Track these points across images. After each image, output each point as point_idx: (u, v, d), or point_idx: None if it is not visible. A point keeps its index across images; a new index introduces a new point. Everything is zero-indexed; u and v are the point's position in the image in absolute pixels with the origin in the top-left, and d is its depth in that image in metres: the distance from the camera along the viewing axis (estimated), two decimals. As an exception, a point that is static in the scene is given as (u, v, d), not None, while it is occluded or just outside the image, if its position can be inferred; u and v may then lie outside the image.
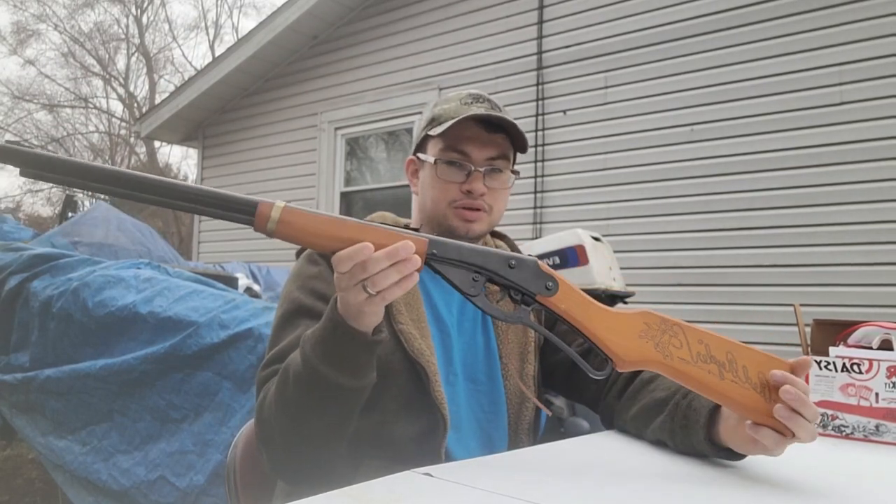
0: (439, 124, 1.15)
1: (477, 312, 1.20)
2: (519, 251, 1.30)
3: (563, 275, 0.90)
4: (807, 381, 0.89)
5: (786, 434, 0.84)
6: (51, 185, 18.92)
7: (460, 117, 1.11)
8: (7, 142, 0.78)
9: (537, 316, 1.20)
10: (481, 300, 0.87)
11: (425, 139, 1.20)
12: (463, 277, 0.86)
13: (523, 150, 1.20)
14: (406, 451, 1.03)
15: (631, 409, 1.09)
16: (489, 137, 1.15)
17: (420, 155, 1.20)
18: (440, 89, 5.28)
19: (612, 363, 0.87)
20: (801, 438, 0.84)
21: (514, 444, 1.16)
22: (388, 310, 1.09)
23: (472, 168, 1.14)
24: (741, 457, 0.92)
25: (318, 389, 0.89)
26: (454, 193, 1.15)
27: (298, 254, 1.19)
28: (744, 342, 0.89)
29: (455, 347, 1.15)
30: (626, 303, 3.04)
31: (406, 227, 0.86)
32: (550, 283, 0.87)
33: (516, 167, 1.21)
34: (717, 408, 0.93)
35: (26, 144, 0.78)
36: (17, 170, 0.78)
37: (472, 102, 1.17)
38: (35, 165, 0.76)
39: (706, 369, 0.86)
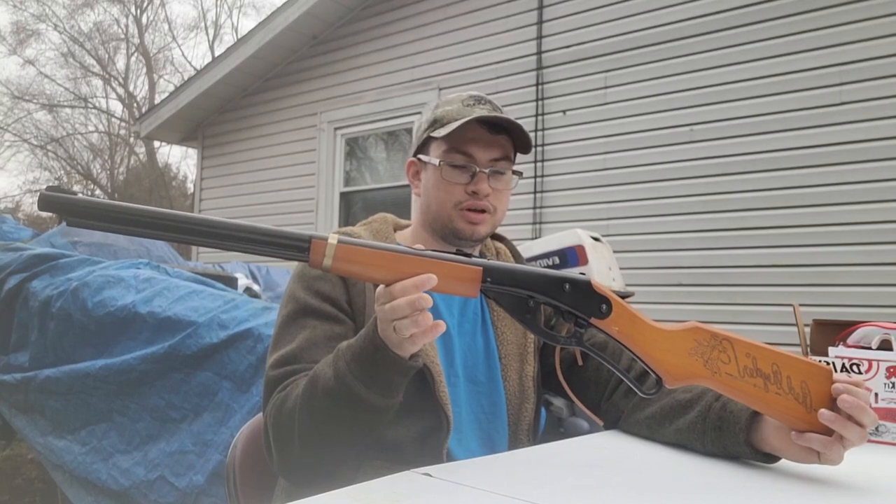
0: (442, 126, 1.15)
1: (477, 313, 1.20)
2: (518, 253, 1.30)
3: (610, 292, 0.90)
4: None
5: (832, 436, 0.85)
6: (50, 184, 18.94)
7: (467, 119, 1.11)
8: (48, 188, 0.73)
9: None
10: (534, 324, 0.87)
11: (427, 141, 1.19)
12: (517, 302, 0.87)
13: (526, 150, 1.21)
14: (408, 452, 1.03)
15: (646, 409, 1.09)
16: (492, 139, 1.16)
17: (422, 157, 1.20)
18: (440, 89, 5.28)
19: (662, 381, 0.88)
20: (851, 441, 0.84)
21: (514, 444, 1.16)
22: None
23: (477, 169, 1.14)
24: (775, 460, 0.93)
25: (349, 405, 0.91)
26: (459, 195, 1.15)
27: None
28: None
29: (456, 348, 1.16)
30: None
31: (461, 251, 0.87)
32: (605, 306, 0.87)
33: (518, 167, 1.22)
34: (756, 412, 0.94)
35: (69, 192, 0.74)
36: (64, 220, 0.74)
37: (473, 104, 1.17)
38: (79, 214, 0.73)
39: (752, 383, 0.87)
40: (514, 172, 1.20)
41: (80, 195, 0.74)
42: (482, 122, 1.14)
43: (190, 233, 0.76)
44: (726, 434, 0.96)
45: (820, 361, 1.20)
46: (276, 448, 0.99)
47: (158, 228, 0.75)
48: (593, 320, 0.87)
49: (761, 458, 0.94)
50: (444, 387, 1.07)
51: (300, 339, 1.04)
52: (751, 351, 0.88)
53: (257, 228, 0.79)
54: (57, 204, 0.72)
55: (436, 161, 1.16)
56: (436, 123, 1.17)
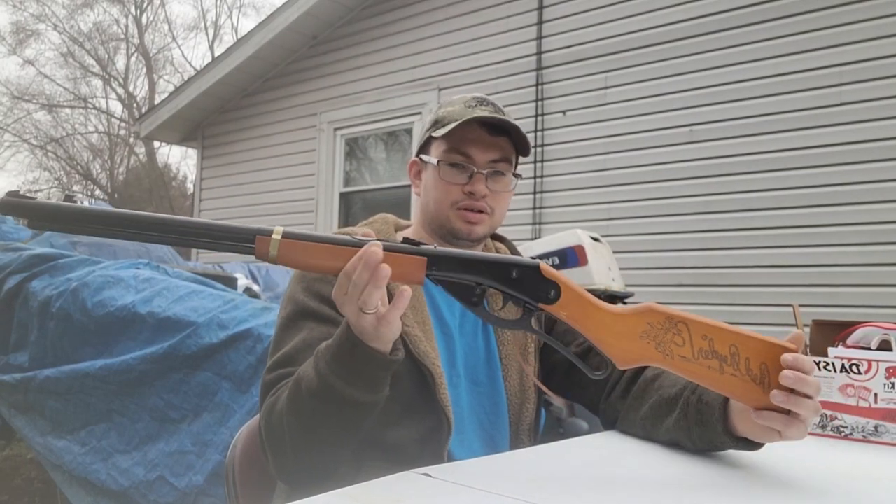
0: (443, 126, 1.15)
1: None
2: (518, 254, 1.30)
3: (563, 275, 0.90)
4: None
5: (788, 414, 0.85)
6: (50, 185, 18.93)
7: (465, 119, 1.12)
8: (8, 193, 0.79)
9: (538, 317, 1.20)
10: (482, 310, 0.87)
11: (429, 141, 1.20)
12: (465, 289, 0.87)
13: (525, 153, 1.21)
14: (409, 454, 1.03)
15: (640, 408, 1.09)
16: (492, 140, 1.16)
17: (423, 156, 1.20)
18: (440, 89, 5.28)
19: (613, 363, 0.88)
20: (805, 415, 0.84)
21: (515, 444, 1.16)
22: None
23: (475, 170, 1.15)
24: (759, 446, 0.92)
25: (333, 403, 0.90)
26: (456, 195, 1.15)
27: None
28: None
29: (458, 349, 1.16)
30: (625, 303, 3.04)
31: (407, 239, 0.87)
32: (553, 291, 0.87)
33: (518, 168, 1.22)
34: (727, 399, 0.94)
35: (28, 197, 0.79)
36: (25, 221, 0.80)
37: (476, 105, 1.17)
38: (37, 217, 0.79)
39: (706, 365, 0.86)
40: (514, 175, 1.20)
41: (38, 199, 0.79)
42: (482, 123, 1.14)
43: (139, 228, 0.80)
44: (708, 426, 0.95)
45: (820, 362, 1.20)
46: (271, 453, 0.99)
47: (110, 226, 0.79)
48: (542, 305, 0.87)
49: (742, 444, 0.93)
50: (445, 388, 1.07)
51: (296, 342, 1.04)
52: (708, 332, 0.87)
53: (203, 224, 0.82)
54: (16, 208, 0.78)
55: (435, 160, 1.16)
56: (437, 123, 1.18)
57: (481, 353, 1.18)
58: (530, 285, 0.87)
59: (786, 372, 0.84)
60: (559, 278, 0.88)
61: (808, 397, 0.84)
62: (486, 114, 1.14)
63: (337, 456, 0.97)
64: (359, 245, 0.82)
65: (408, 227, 1.27)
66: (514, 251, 1.31)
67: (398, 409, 1.05)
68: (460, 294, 0.87)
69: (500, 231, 1.31)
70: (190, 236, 0.81)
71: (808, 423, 0.85)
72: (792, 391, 0.83)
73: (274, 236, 0.82)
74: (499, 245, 1.31)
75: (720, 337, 0.87)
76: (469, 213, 1.15)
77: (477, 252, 0.89)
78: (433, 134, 1.17)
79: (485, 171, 1.15)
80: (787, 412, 0.84)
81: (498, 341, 1.19)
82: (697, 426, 0.96)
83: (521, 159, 1.24)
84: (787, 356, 0.85)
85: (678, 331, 0.87)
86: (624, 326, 0.86)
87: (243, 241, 0.82)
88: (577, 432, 2.21)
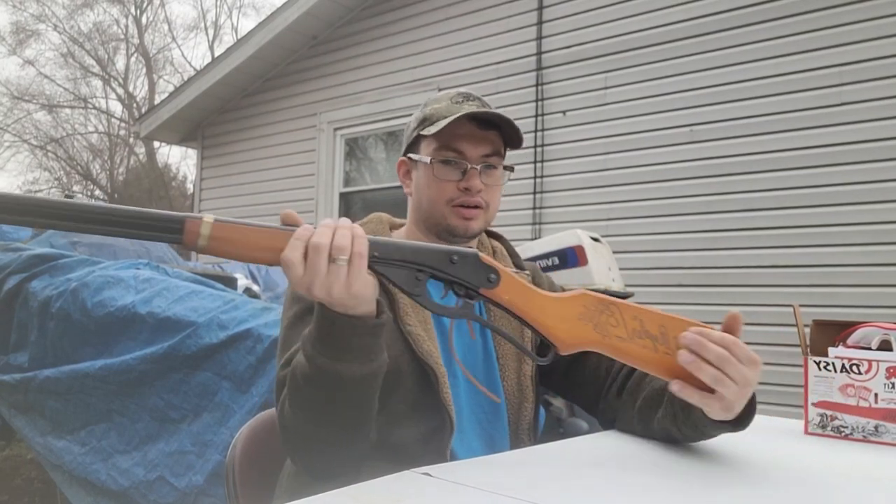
0: (431, 124, 1.15)
1: (484, 318, 1.19)
2: (515, 252, 1.30)
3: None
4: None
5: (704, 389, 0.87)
6: (50, 185, 18.92)
7: (456, 116, 1.11)
8: None
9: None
10: (425, 299, 0.87)
11: (417, 140, 1.19)
12: (406, 277, 0.86)
13: (515, 146, 1.21)
14: (411, 453, 1.03)
15: (635, 403, 1.09)
16: (483, 135, 1.16)
17: (413, 155, 1.20)
18: (440, 90, 5.27)
19: (555, 347, 0.90)
20: (709, 379, 0.85)
21: (515, 443, 1.16)
22: (396, 311, 1.09)
23: (468, 166, 1.15)
24: (742, 426, 0.93)
25: (331, 385, 0.88)
26: (451, 192, 1.15)
27: None
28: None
29: (456, 348, 1.16)
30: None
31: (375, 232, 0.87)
32: (493, 276, 0.88)
33: (513, 164, 1.22)
34: None
35: None
36: None
37: (462, 101, 1.17)
38: None
39: (641, 344, 0.89)
40: (505, 168, 1.20)
41: None
42: (472, 118, 1.14)
43: (56, 217, 0.74)
44: (690, 411, 0.95)
45: (820, 362, 1.20)
46: (288, 450, 0.98)
47: (26, 215, 0.73)
48: (483, 290, 0.88)
49: (726, 427, 0.93)
50: (447, 388, 1.07)
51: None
52: (637, 314, 0.89)
53: (127, 211, 0.76)
54: None
55: (427, 159, 1.16)
56: (425, 122, 1.18)
57: (479, 353, 1.18)
58: (471, 271, 0.87)
59: (686, 333, 0.87)
60: (497, 265, 0.89)
61: (707, 361, 0.85)
62: (474, 109, 1.14)
63: (354, 444, 0.95)
64: (293, 229, 0.81)
65: (402, 226, 1.26)
66: (510, 249, 1.31)
67: (402, 409, 1.05)
68: (403, 282, 0.86)
69: (500, 231, 1.31)
70: (111, 226, 0.75)
71: (724, 396, 0.86)
72: (696, 356, 0.85)
73: (206, 219, 0.78)
74: (495, 243, 1.31)
75: (648, 318, 0.89)
76: (464, 210, 1.15)
77: (416, 242, 0.89)
78: (422, 132, 1.17)
79: (478, 167, 1.15)
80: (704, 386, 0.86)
81: (495, 341, 1.19)
82: (683, 412, 0.97)
83: (520, 158, 1.25)
84: (692, 329, 0.88)
85: (611, 312, 0.89)
86: (563, 309, 0.89)
87: (171, 230, 0.77)
88: (577, 432, 2.21)
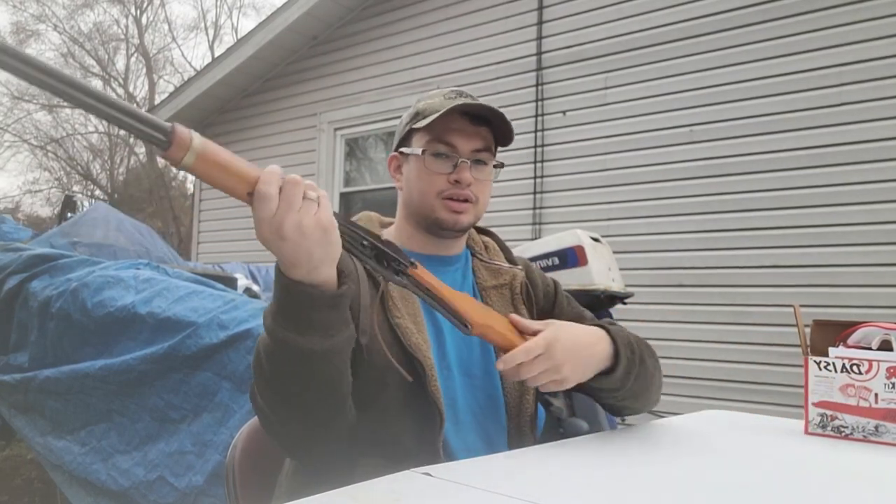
0: (424, 118, 1.16)
1: None
2: (507, 247, 1.32)
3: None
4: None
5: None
6: (50, 185, 18.89)
7: (447, 108, 1.12)
8: None
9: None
10: (367, 263, 0.95)
11: (410, 134, 1.20)
12: (352, 239, 0.94)
13: (505, 143, 1.22)
14: (404, 448, 1.03)
15: (599, 388, 1.16)
16: (475, 130, 1.17)
17: (405, 149, 1.21)
18: (440, 89, 5.28)
19: (470, 328, 1.03)
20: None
21: (516, 437, 1.16)
22: (385, 304, 1.10)
23: (459, 159, 1.15)
24: (615, 373, 1.12)
25: (295, 360, 0.87)
26: (442, 184, 1.15)
27: None
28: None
29: (448, 341, 1.16)
30: (625, 303, 3.03)
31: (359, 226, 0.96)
32: (414, 261, 0.99)
33: (517, 168, 1.23)
34: None
35: None
36: None
37: (455, 97, 1.18)
38: None
39: (511, 331, 1.07)
40: (496, 165, 1.21)
41: None
42: (463, 112, 1.15)
43: (56, 80, 0.69)
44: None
45: (820, 362, 1.20)
46: (271, 436, 0.97)
47: (30, 68, 0.68)
48: (411, 270, 0.98)
49: (596, 381, 1.11)
50: (436, 380, 1.06)
51: None
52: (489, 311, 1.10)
53: (123, 103, 0.74)
54: None
55: (418, 151, 1.17)
56: (418, 116, 1.19)
57: (475, 347, 1.18)
58: (399, 254, 0.97)
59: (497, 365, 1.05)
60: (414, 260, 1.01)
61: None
62: (468, 101, 1.15)
63: (331, 419, 0.94)
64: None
65: (391, 224, 1.26)
66: (502, 245, 1.32)
67: (394, 404, 1.05)
68: (353, 244, 0.93)
69: (500, 231, 1.32)
70: (105, 105, 0.72)
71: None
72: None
73: (196, 135, 0.77)
74: (486, 239, 1.32)
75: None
76: (454, 203, 1.15)
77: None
78: (414, 126, 1.18)
79: (468, 161, 1.15)
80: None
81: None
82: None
83: (520, 158, 1.26)
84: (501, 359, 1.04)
85: (487, 308, 1.10)
86: (466, 300, 1.05)
87: (161, 130, 0.74)
88: (577, 432, 2.21)
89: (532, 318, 1.21)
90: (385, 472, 0.80)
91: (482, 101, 1.19)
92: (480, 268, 1.26)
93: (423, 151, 1.16)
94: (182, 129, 0.76)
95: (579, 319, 1.25)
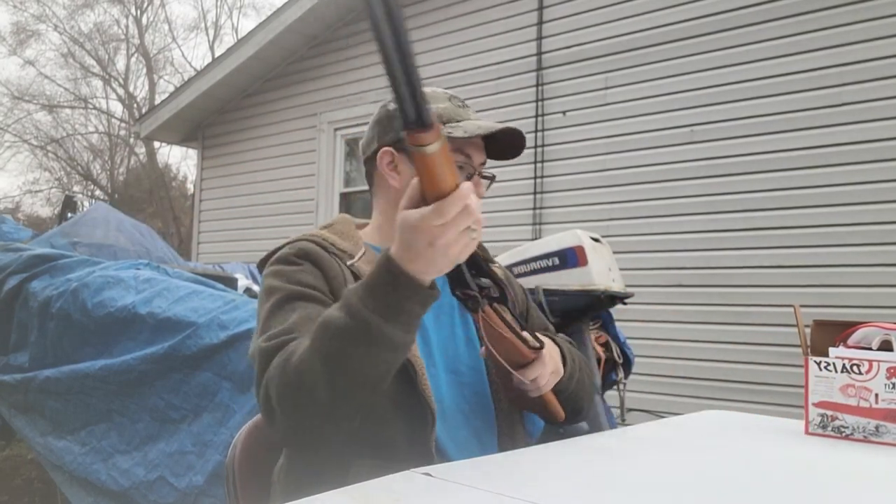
0: (442, 123, 1.14)
1: (453, 304, 1.19)
2: (485, 249, 1.32)
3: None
4: None
5: None
6: (50, 185, 18.91)
7: (496, 129, 1.13)
8: None
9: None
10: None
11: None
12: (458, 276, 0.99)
13: (502, 158, 1.23)
14: (398, 448, 1.02)
15: None
16: (482, 144, 1.18)
17: (421, 147, 1.18)
18: (440, 91, 5.27)
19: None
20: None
21: (508, 432, 1.15)
22: None
23: (474, 172, 1.16)
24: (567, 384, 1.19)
25: (367, 342, 0.87)
26: None
27: (262, 264, 1.16)
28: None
29: (433, 339, 1.15)
30: (625, 304, 3.03)
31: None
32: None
33: (517, 168, 1.24)
34: None
35: None
36: None
37: (462, 106, 1.19)
38: None
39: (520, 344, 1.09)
40: (486, 177, 1.22)
41: None
42: (481, 129, 1.15)
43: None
44: None
45: (821, 362, 1.20)
46: (284, 409, 0.92)
47: None
48: (486, 308, 1.03)
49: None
50: (426, 379, 1.06)
51: (294, 317, 1.00)
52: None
53: (417, 73, 0.76)
54: None
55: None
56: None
57: (461, 344, 1.18)
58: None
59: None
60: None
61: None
62: (480, 121, 1.16)
63: (361, 405, 0.93)
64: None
65: (365, 225, 1.25)
66: (479, 245, 1.32)
67: (387, 405, 1.04)
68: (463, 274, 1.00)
69: (499, 231, 1.33)
70: (406, 72, 0.76)
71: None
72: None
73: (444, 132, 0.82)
74: None
75: None
76: None
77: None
78: (452, 133, 1.15)
79: (478, 175, 1.17)
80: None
81: (479, 333, 1.20)
82: None
83: (520, 158, 1.26)
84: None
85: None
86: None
87: (426, 111, 0.77)
88: (577, 432, 2.21)
89: (514, 317, 1.23)
90: (379, 472, 0.79)
91: (482, 101, 1.20)
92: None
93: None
94: (439, 125, 0.80)
95: (545, 327, 1.30)
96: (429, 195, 0.83)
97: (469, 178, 1.14)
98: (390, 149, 1.19)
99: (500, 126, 1.14)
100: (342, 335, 0.87)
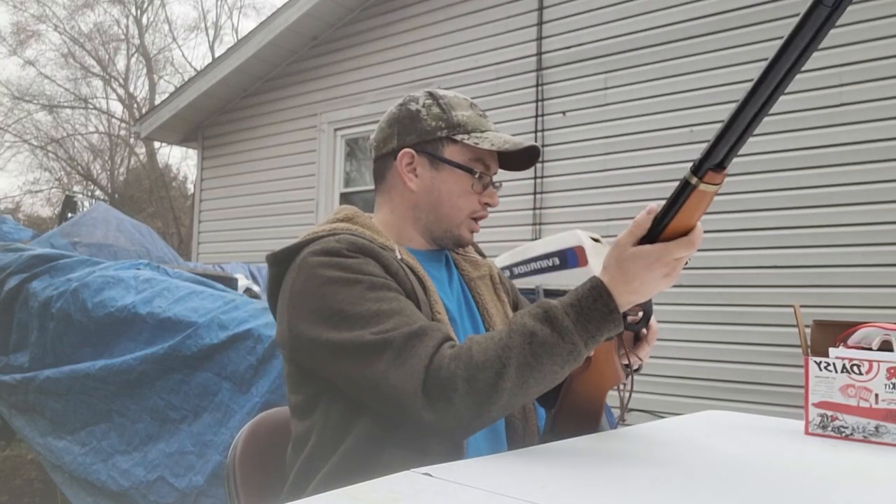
0: (466, 132, 1.16)
1: (471, 303, 1.22)
2: (475, 244, 1.34)
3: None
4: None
5: None
6: (50, 185, 18.91)
7: (523, 147, 1.16)
8: None
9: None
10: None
11: (443, 140, 1.17)
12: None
13: (512, 169, 1.27)
14: (431, 442, 1.00)
15: None
16: (498, 155, 1.21)
17: (444, 156, 1.17)
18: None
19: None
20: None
21: (521, 428, 1.16)
22: (428, 299, 1.09)
23: (491, 182, 1.20)
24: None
25: (567, 362, 0.94)
26: (476, 205, 1.19)
27: (275, 260, 1.12)
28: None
29: (461, 336, 1.16)
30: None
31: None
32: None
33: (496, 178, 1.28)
34: None
35: None
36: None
37: (483, 115, 1.22)
38: None
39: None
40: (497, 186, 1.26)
41: None
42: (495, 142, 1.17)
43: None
44: None
45: (821, 362, 1.20)
46: (464, 402, 0.92)
47: None
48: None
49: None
50: None
51: (397, 306, 1.00)
52: None
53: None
54: None
55: (463, 166, 1.16)
56: (458, 128, 1.16)
57: (467, 328, 1.19)
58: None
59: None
60: None
61: None
62: (500, 132, 1.20)
63: (514, 409, 1.00)
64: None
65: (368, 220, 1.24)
66: (475, 246, 1.35)
67: None
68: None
69: (499, 231, 1.34)
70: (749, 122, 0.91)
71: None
72: None
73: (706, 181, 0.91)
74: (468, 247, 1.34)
75: None
76: (476, 224, 1.21)
77: None
78: (456, 137, 1.16)
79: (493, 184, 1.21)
80: None
81: (485, 325, 1.21)
82: None
83: None
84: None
85: None
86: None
87: (728, 157, 0.94)
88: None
89: (510, 305, 1.31)
90: (411, 464, 0.80)
91: (482, 101, 1.21)
92: (460, 261, 1.29)
93: (478, 173, 1.17)
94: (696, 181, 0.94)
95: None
96: (679, 228, 0.96)
97: (486, 188, 1.19)
98: (411, 150, 1.18)
99: (528, 144, 1.17)
100: (546, 350, 0.93)
